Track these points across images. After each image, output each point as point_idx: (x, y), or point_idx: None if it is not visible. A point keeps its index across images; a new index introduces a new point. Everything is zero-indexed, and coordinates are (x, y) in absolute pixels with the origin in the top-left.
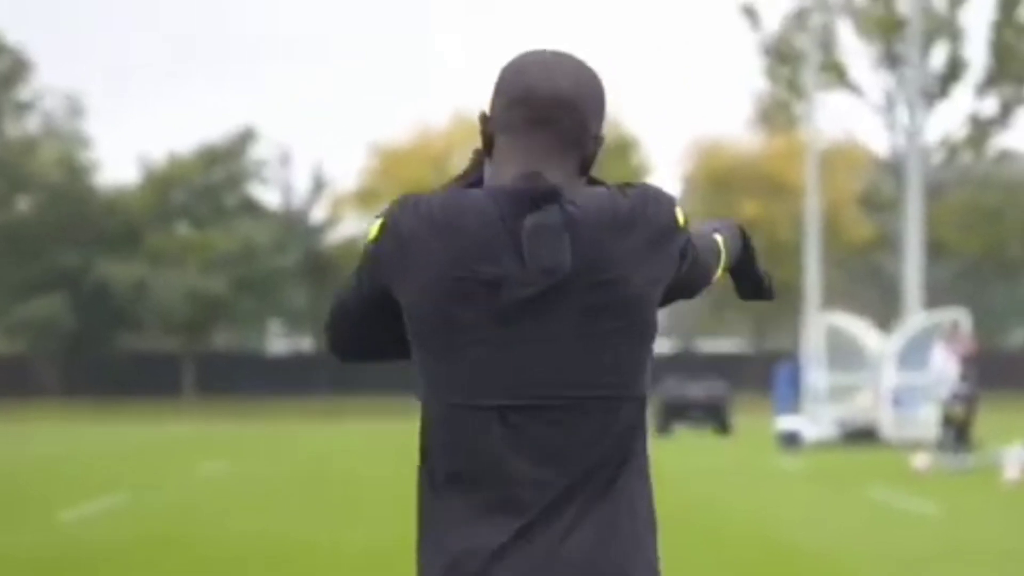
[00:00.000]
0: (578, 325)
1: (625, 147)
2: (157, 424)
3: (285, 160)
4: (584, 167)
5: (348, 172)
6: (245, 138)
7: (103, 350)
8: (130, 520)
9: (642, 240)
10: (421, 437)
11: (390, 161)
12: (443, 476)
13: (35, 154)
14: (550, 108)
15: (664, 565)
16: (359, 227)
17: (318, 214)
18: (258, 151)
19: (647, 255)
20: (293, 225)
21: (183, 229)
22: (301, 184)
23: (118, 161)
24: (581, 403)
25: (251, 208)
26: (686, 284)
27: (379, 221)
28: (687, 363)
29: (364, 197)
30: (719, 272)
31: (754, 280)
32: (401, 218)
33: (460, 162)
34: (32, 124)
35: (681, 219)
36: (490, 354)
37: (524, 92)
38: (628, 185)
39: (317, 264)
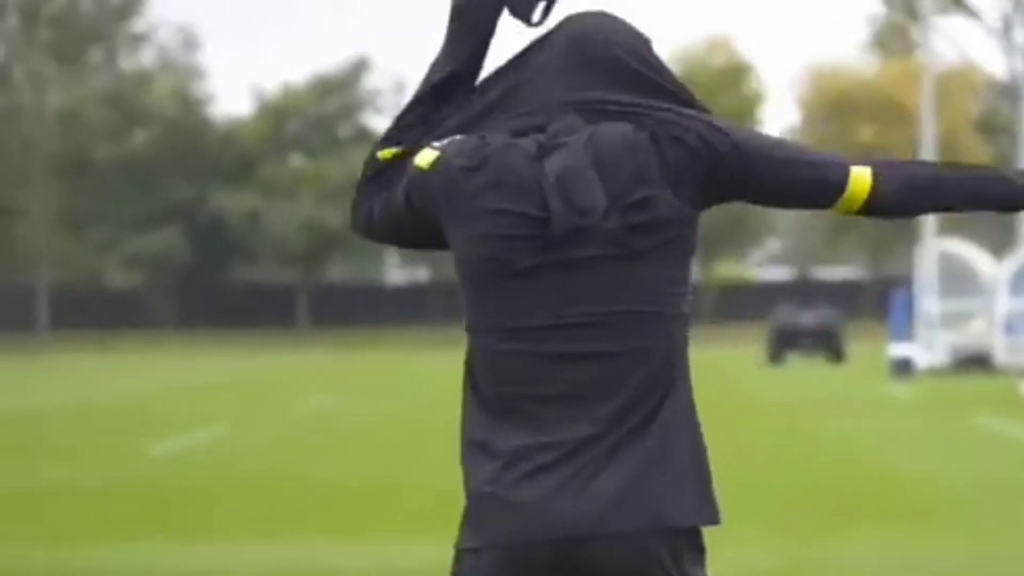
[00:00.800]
0: (615, 246)
1: (738, 73)
2: (271, 355)
3: (399, 89)
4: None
5: None
6: (359, 67)
7: (218, 282)
8: (217, 458)
9: (664, 165)
10: (466, 362)
11: None
12: (489, 394)
13: (150, 87)
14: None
15: (720, 495)
16: None
17: None
18: (372, 80)
19: (673, 178)
20: None
21: (297, 160)
22: None
23: (232, 93)
24: (623, 318)
25: (365, 138)
26: (768, 191)
27: (435, 154)
28: (803, 290)
29: None
30: (844, 198)
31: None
32: (455, 160)
33: None
34: (147, 57)
35: (710, 136)
36: (533, 282)
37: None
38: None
39: None
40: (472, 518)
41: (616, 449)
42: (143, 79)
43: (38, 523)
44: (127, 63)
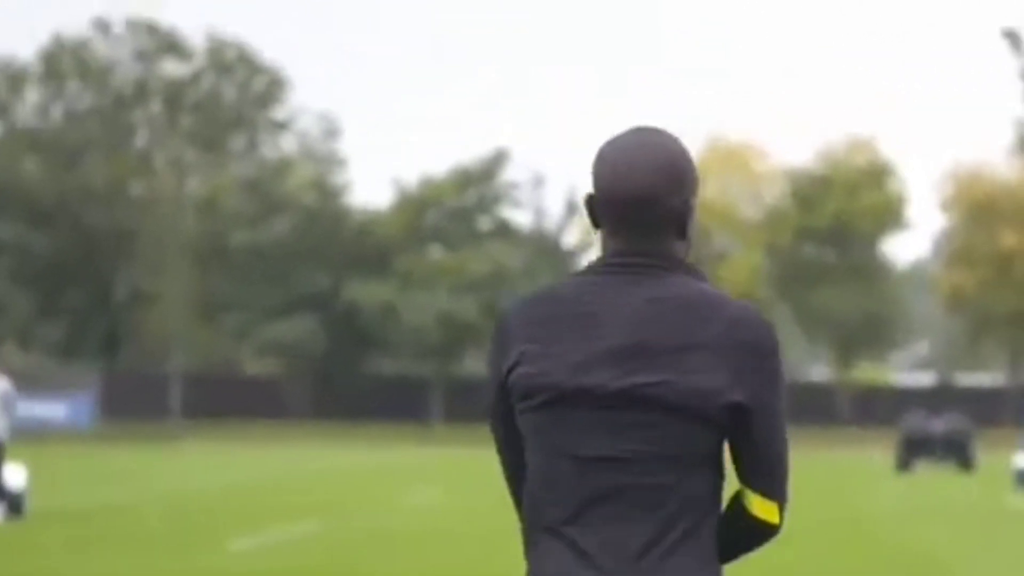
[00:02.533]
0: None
1: (881, 174)
2: (401, 449)
3: (538, 183)
4: (680, 231)
5: None
6: (498, 160)
7: (353, 372)
8: (289, 553)
9: (721, 341)
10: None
11: None
12: (538, 524)
13: (290, 175)
14: (629, 207)
15: None
16: None
17: (570, 238)
18: (511, 173)
19: (717, 360)
20: (545, 249)
21: (435, 252)
22: (554, 207)
23: (370, 183)
24: (660, 460)
25: (504, 231)
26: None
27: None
28: (942, 396)
29: None
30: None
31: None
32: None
33: (714, 189)
34: (288, 144)
35: (776, 380)
36: (579, 414)
37: (608, 193)
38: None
39: None
40: None
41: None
42: (283, 167)
43: None
44: (268, 150)
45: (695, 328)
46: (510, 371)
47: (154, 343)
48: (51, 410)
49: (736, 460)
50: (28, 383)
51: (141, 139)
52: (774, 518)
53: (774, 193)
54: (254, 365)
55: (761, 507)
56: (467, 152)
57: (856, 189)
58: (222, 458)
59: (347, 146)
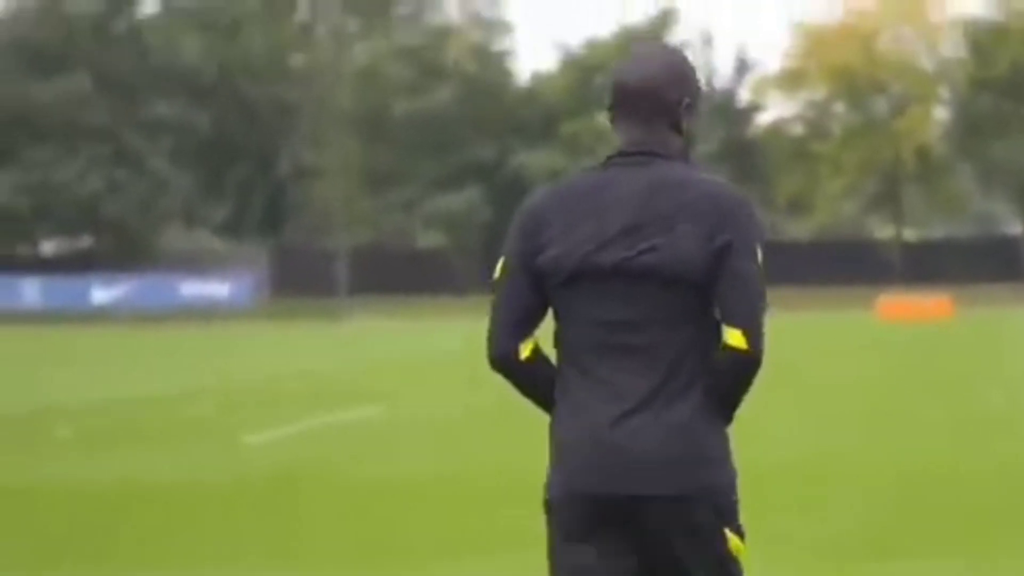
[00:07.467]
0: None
1: None
2: None
3: (707, 42)
4: (676, 127)
5: (772, 54)
6: (665, 20)
7: None
8: (310, 443)
9: (699, 215)
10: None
11: (816, 42)
12: (573, 371)
13: (452, 42)
14: (631, 94)
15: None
16: (784, 110)
17: (742, 97)
18: (679, 33)
19: (698, 226)
20: (716, 108)
21: (603, 116)
22: (724, 66)
23: (536, 49)
24: (660, 321)
25: None
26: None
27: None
28: None
29: (789, 79)
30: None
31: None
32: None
33: (889, 43)
34: (452, 11)
35: (746, 234)
36: (596, 286)
37: (615, 82)
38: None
39: (740, 148)
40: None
41: (660, 414)
42: (445, 34)
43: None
44: (432, 17)
45: (680, 204)
46: (539, 252)
47: (319, 218)
48: (215, 289)
49: (719, 304)
50: (193, 262)
51: (302, 11)
52: (741, 343)
53: (950, 43)
54: (425, 238)
55: (732, 336)
56: (633, 13)
57: None
58: (377, 334)
59: (511, 11)
